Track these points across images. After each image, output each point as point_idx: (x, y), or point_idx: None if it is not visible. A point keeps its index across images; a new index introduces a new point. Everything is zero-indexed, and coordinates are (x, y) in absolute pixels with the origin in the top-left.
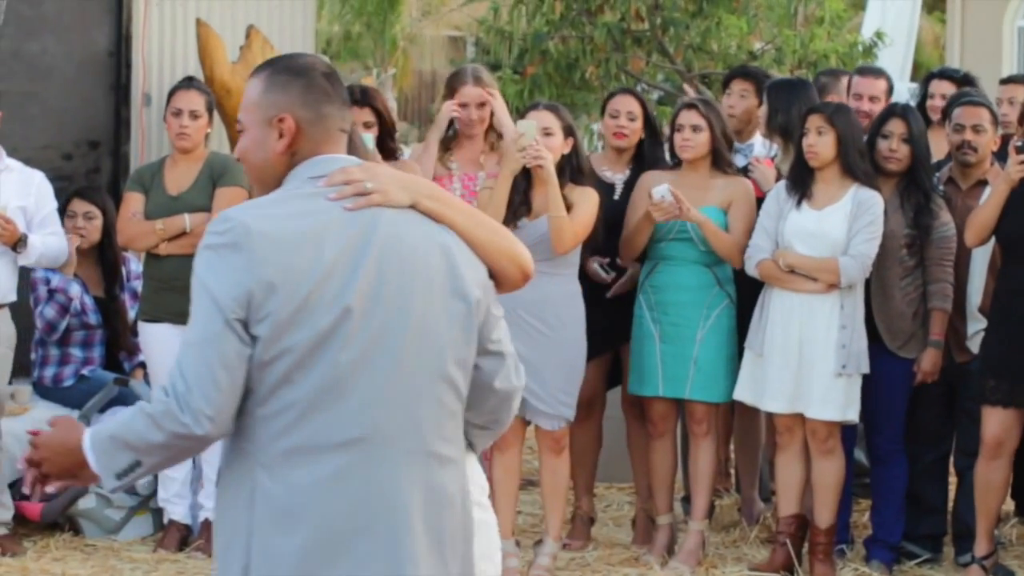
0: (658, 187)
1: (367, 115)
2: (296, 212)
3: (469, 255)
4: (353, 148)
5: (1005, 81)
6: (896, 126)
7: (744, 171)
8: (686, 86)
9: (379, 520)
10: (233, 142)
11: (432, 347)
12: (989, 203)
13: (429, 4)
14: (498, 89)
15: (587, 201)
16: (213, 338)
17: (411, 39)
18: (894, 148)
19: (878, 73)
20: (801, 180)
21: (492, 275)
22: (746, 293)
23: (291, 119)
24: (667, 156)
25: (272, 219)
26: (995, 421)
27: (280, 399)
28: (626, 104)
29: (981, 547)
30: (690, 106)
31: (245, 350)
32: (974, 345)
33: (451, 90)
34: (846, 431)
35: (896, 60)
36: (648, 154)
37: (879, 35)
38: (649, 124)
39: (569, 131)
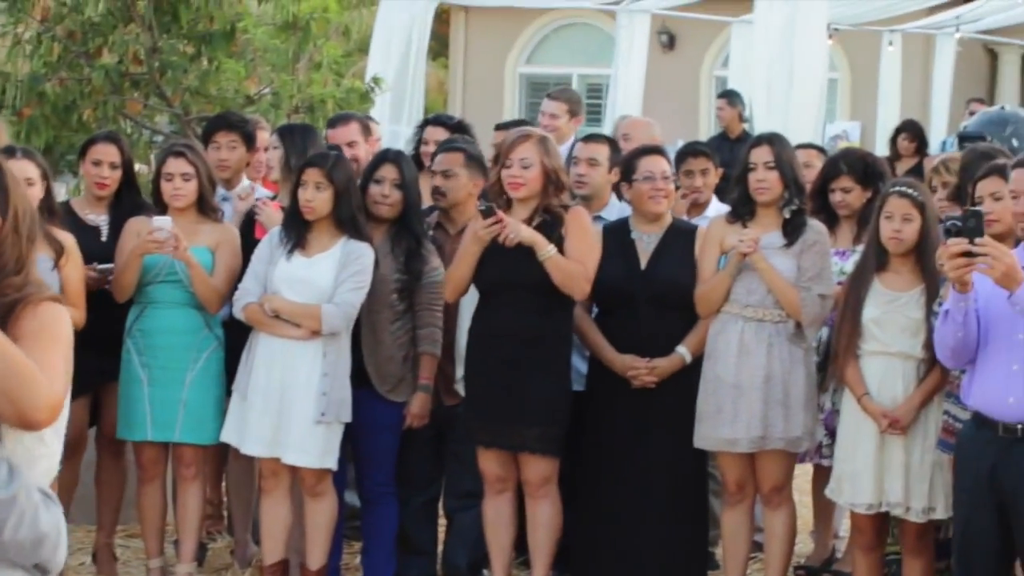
0: (159, 218)
1: None
2: None
3: None
4: None
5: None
6: (388, 171)
7: (250, 214)
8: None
9: None
10: None
11: None
12: (460, 259)
13: None
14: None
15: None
16: None
17: None
18: (386, 194)
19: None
20: (295, 229)
21: None
22: (236, 336)
23: None
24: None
25: None
26: (486, 460)
27: None
28: (108, 154)
29: None
30: (178, 154)
31: None
32: (462, 388)
33: None
34: (337, 473)
35: (400, 106)
36: (127, 198)
37: (376, 80)
38: (127, 169)
39: (46, 175)
